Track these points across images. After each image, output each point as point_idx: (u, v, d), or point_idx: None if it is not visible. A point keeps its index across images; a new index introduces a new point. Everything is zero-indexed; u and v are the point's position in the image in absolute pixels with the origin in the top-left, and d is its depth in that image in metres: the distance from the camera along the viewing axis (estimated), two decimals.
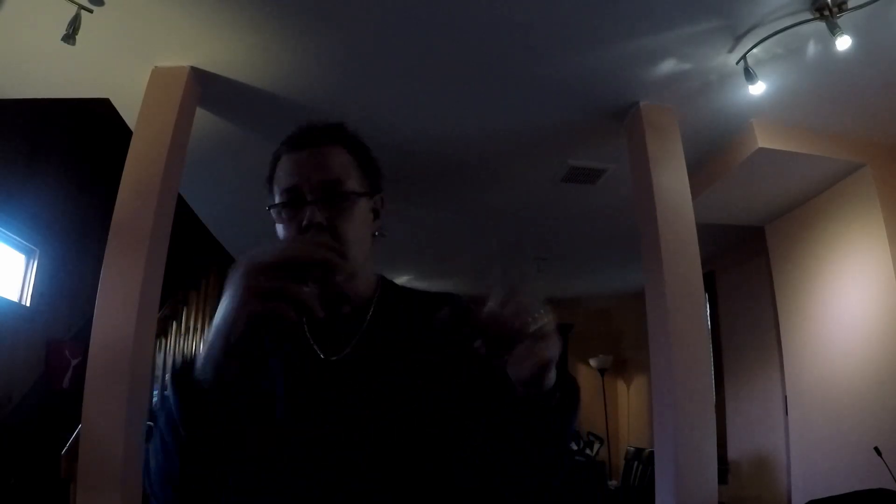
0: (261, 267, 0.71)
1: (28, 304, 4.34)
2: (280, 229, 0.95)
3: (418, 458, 0.85)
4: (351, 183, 0.95)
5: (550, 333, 0.73)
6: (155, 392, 4.66)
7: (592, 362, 7.89)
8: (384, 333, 0.95)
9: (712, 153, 3.75)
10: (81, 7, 2.42)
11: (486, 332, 0.71)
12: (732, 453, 5.12)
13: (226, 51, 2.84)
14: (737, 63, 2.81)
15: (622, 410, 8.08)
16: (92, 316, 2.61)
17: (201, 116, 3.22)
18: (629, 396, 7.97)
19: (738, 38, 2.68)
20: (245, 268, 0.72)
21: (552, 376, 0.76)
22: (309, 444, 0.85)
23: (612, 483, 6.80)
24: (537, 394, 0.76)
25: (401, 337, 0.95)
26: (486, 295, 0.72)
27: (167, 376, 0.82)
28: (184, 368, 0.76)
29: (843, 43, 2.49)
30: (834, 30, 2.45)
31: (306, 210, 0.90)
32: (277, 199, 0.95)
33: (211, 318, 4.94)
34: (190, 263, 5.49)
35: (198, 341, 5.96)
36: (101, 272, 2.65)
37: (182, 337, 5.54)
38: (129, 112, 3.14)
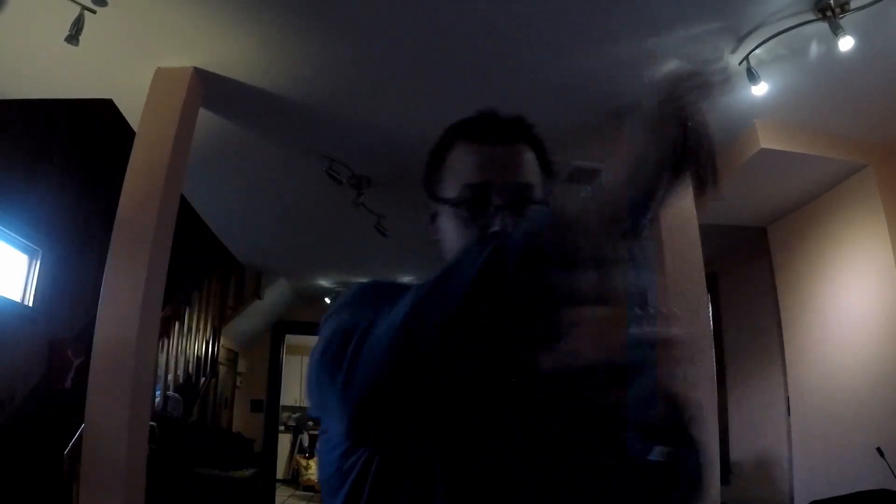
0: None
1: (31, 305, 4.35)
2: (447, 229, 0.84)
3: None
4: (539, 190, 0.84)
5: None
6: (157, 392, 4.67)
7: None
8: None
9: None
10: (84, 8, 2.42)
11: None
12: (735, 454, 5.11)
13: (229, 51, 2.84)
14: (739, 64, 2.80)
15: None
16: (95, 316, 2.61)
17: (204, 117, 3.22)
18: None
19: (741, 39, 2.68)
20: None
21: None
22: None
23: None
24: None
25: None
26: None
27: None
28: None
29: (846, 44, 2.49)
30: (836, 30, 2.45)
31: (493, 215, 0.79)
32: (453, 194, 0.83)
33: (212, 318, 4.92)
34: (193, 264, 5.50)
35: (199, 342, 5.97)
36: (104, 272, 2.66)
37: (185, 337, 5.55)
38: (133, 113, 3.14)
